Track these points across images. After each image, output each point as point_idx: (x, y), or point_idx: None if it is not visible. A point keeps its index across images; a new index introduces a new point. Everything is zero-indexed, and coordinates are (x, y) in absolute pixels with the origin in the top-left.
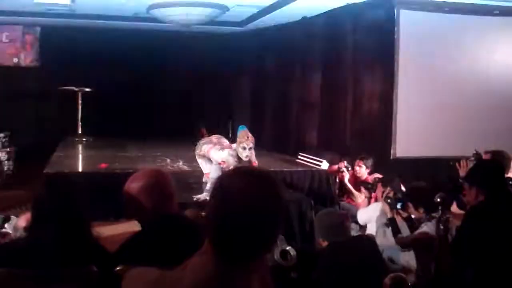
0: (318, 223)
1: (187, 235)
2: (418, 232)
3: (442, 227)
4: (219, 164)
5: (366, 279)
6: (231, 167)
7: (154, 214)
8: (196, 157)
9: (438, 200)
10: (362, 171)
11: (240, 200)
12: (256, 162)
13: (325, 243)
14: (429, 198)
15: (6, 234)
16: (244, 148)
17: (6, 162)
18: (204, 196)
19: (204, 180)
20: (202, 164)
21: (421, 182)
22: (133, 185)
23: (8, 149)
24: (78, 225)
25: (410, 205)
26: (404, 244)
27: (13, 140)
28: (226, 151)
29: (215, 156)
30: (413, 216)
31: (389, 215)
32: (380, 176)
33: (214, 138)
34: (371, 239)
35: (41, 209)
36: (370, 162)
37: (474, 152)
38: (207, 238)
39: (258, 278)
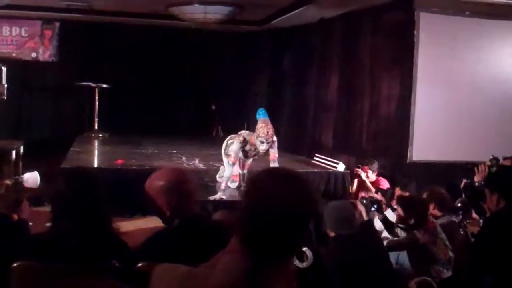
0: (327, 214)
1: (207, 234)
2: (405, 237)
3: (462, 232)
4: (230, 159)
5: (368, 273)
6: (235, 160)
7: (175, 213)
8: (223, 156)
9: (459, 205)
10: (370, 175)
11: (272, 200)
12: (277, 155)
13: (332, 234)
14: (420, 210)
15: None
16: (262, 142)
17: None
18: (219, 195)
19: (218, 179)
20: (226, 164)
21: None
22: (154, 184)
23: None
24: (100, 219)
25: (401, 211)
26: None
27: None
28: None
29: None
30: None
31: (365, 217)
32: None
33: (245, 133)
34: (375, 234)
35: (62, 203)
36: (375, 165)
37: (491, 157)
38: (236, 237)
39: (285, 279)
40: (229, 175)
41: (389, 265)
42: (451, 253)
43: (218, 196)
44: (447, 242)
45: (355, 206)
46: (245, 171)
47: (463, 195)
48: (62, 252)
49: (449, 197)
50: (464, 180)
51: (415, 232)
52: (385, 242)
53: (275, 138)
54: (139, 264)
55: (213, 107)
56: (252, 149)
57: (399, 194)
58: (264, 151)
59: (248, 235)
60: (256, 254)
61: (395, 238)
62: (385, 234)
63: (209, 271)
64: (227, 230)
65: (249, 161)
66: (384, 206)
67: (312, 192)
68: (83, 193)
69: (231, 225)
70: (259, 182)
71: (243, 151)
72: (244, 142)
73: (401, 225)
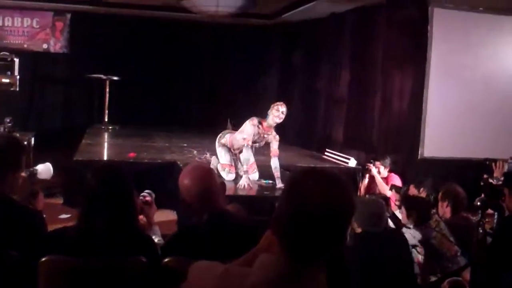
0: (357, 209)
1: (235, 230)
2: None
3: (481, 231)
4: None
5: (392, 273)
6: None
7: (204, 209)
8: (216, 145)
9: (479, 204)
10: (381, 171)
11: (313, 200)
12: (278, 152)
13: (358, 230)
14: (422, 209)
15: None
16: (278, 110)
17: None
18: (245, 182)
19: (219, 169)
20: (221, 153)
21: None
22: (182, 181)
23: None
24: (127, 214)
25: (403, 210)
26: None
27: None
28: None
29: (240, 135)
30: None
31: None
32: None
33: (255, 118)
34: (402, 235)
35: (92, 199)
36: (388, 161)
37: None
38: (270, 234)
39: (320, 281)
40: (249, 158)
41: (412, 266)
42: (457, 248)
43: (244, 183)
44: (452, 238)
45: (387, 203)
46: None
47: (482, 194)
48: (90, 247)
49: (465, 196)
50: (485, 176)
51: (415, 229)
52: None
53: (277, 137)
54: (166, 259)
55: (231, 123)
56: (257, 137)
57: (408, 194)
58: (279, 119)
59: (289, 236)
60: (295, 255)
61: None
62: None
63: (246, 270)
64: (255, 226)
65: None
66: (392, 203)
67: (352, 195)
68: (113, 189)
69: (259, 222)
70: (300, 182)
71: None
72: (258, 124)
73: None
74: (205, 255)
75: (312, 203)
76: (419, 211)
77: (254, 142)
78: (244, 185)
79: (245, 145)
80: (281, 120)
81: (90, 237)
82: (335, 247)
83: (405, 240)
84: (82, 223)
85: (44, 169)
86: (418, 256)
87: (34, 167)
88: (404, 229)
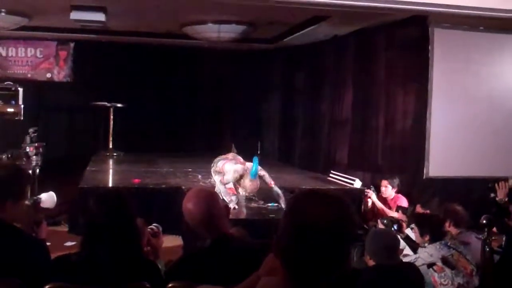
0: (370, 240)
1: (238, 254)
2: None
3: (487, 249)
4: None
5: None
6: (230, 182)
7: (207, 233)
8: (212, 173)
9: (484, 222)
10: (389, 191)
11: (314, 222)
12: (273, 183)
13: (371, 262)
14: (434, 226)
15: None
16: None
17: (34, 157)
18: (232, 205)
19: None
20: (218, 181)
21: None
22: (185, 206)
23: (36, 144)
24: (129, 240)
25: (416, 229)
26: None
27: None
28: (239, 166)
29: (228, 168)
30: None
31: None
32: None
33: (230, 155)
34: (416, 268)
35: (94, 225)
36: (396, 181)
37: None
38: (271, 258)
39: None
40: (224, 191)
41: None
42: (472, 267)
43: (231, 205)
44: (468, 256)
45: (400, 226)
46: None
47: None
48: (93, 273)
49: (465, 214)
50: (492, 195)
51: (432, 247)
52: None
53: (262, 172)
54: (170, 285)
55: (235, 147)
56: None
57: (417, 212)
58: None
59: (290, 258)
60: (298, 277)
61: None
62: (406, 251)
63: None
64: (258, 249)
65: None
66: (404, 224)
67: (352, 215)
68: (115, 215)
69: (262, 245)
70: (300, 204)
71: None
72: (240, 177)
73: (420, 244)
74: (209, 279)
75: (312, 225)
76: (432, 228)
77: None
78: (235, 207)
79: (220, 181)
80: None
81: (92, 264)
82: (338, 269)
83: (420, 274)
84: (84, 250)
85: (48, 198)
86: (435, 274)
87: (38, 196)
88: (420, 249)
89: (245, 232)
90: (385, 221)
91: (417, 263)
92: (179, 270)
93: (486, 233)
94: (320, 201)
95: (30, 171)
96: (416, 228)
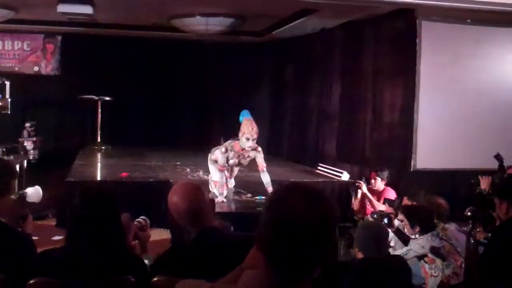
0: (359, 233)
1: (224, 247)
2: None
3: (472, 241)
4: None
5: None
6: (223, 167)
7: (192, 227)
8: (208, 162)
9: (469, 214)
10: (378, 183)
11: (294, 214)
12: (265, 165)
13: (359, 255)
14: (424, 217)
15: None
16: (248, 139)
17: (32, 151)
18: (221, 199)
19: (210, 188)
20: (213, 170)
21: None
22: (171, 199)
23: (34, 139)
24: (112, 234)
25: (406, 221)
26: None
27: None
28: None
29: (218, 154)
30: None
31: None
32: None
33: (227, 143)
34: (404, 261)
35: (78, 220)
36: (385, 173)
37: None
38: (255, 251)
39: None
40: (221, 180)
41: None
42: (462, 259)
43: (220, 199)
44: (459, 249)
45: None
46: (232, 180)
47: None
48: (77, 268)
49: (447, 207)
50: (478, 189)
51: (423, 239)
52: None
53: (259, 149)
54: (155, 279)
55: (223, 140)
56: (236, 158)
57: (405, 204)
58: (250, 148)
59: (273, 251)
60: (280, 270)
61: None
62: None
63: (232, 287)
64: (243, 242)
65: (235, 170)
66: (392, 216)
67: (333, 207)
68: (98, 209)
69: (246, 238)
70: (281, 197)
71: (227, 160)
72: (226, 151)
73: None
74: (194, 273)
75: (292, 217)
76: (421, 219)
77: (238, 164)
78: (217, 201)
79: (216, 169)
80: (251, 146)
81: (76, 258)
82: (321, 262)
83: (407, 267)
84: (68, 244)
85: (34, 192)
86: (425, 265)
87: (24, 190)
88: (411, 241)
89: (229, 224)
90: (375, 216)
91: (408, 255)
92: (164, 264)
93: (470, 225)
94: (300, 194)
95: (25, 165)
96: (406, 220)
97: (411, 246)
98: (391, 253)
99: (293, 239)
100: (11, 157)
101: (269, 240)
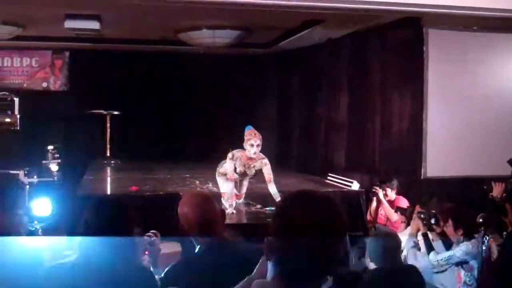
0: (372, 242)
1: (234, 259)
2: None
3: (484, 247)
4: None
5: None
6: (233, 176)
7: (203, 237)
8: (216, 175)
9: (481, 220)
10: (389, 193)
11: (301, 222)
12: (272, 175)
13: (372, 265)
14: (469, 219)
15: None
16: (252, 145)
17: (56, 173)
18: (230, 210)
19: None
20: (221, 183)
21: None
22: (181, 210)
23: (59, 161)
24: (126, 248)
25: (451, 223)
26: None
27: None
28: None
29: (225, 169)
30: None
31: (422, 230)
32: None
33: (234, 151)
34: (418, 271)
35: (89, 231)
36: (394, 183)
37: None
38: (264, 261)
39: None
40: (231, 191)
41: None
42: None
43: (229, 210)
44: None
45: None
46: (243, 192)
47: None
48: (88, 281)
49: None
50: (490, 195)
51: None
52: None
53: (266, 161)
54: None
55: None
56: (242, 166)
57: (451, 206)
58: (256, 155)
59: (280, 260)
60: (289, 279)
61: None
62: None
63: None
64: (252, 253)
65: (244, 187)
66: (404, 224)
67: (342, 214)
68: (115, 223)
69: (256, 248)
70: (289, 205)
71: (235, 168)
72: (233, 157)
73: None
74: (204, 284)
75: (300, 225)
76: (465, 222)
77: (243, 174)
78: (227, 212)
79: (226, 179)
80: (257, 153)
81: (87, 272)
82: (331, 270)
83: (421, 277)
84: (80, 258)
85: (42, 207)
86: (461, 271)
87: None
88: (455, 247)
89: (238, 235)
90: (422, 215)
91: (451, 261)
92: (174, 275)
93: (482, 231)
94: (308, 202)
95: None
96: (451, 222)
97: (455, 252)
98: (409, 263)
99: (299, 247)
100: (36, 179)
101: (277, 248)
